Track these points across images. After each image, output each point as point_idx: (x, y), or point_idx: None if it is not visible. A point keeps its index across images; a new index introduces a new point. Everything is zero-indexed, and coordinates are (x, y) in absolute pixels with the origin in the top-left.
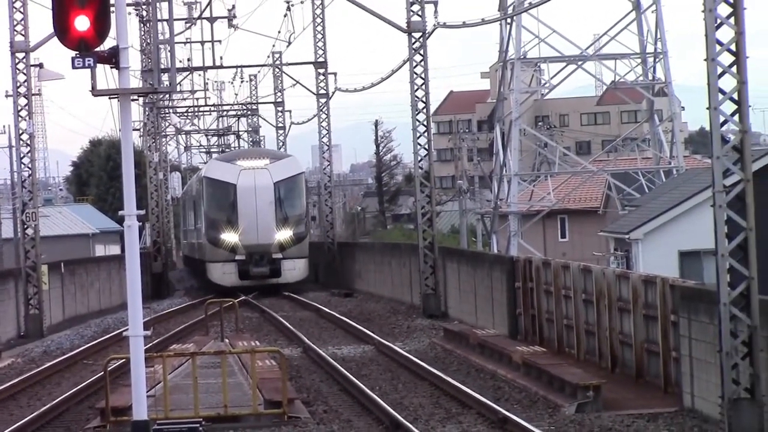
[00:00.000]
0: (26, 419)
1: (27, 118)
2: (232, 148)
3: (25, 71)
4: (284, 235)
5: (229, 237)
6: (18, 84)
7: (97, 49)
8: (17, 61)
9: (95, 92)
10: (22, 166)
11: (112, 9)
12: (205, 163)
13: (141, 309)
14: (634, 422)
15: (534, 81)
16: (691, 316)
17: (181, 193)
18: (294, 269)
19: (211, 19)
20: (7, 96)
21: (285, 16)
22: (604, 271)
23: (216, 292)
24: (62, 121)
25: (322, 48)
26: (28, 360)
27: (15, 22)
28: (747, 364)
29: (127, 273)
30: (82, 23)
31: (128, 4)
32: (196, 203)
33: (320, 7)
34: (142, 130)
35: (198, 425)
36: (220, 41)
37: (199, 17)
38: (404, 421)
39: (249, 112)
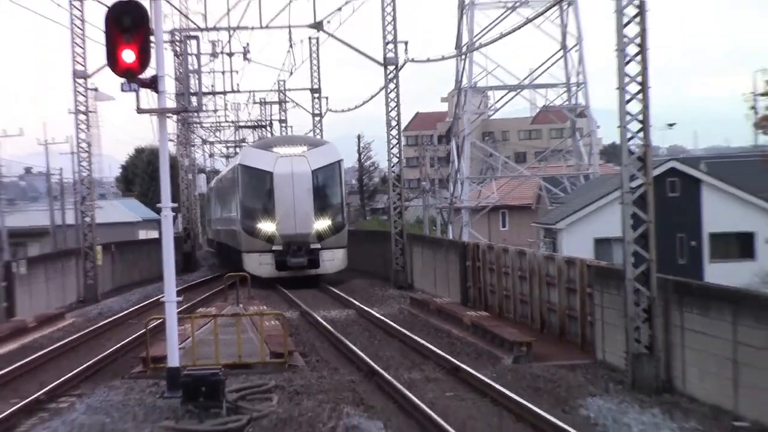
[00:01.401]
0: (85, 365)
1: (85, 130)
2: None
3: (84, 93)
4: (323, 224)
5: (266, 226)
6: (78, 104)
7: (141, 76)
8: (78, 85)
9: (139, 110)
10: (81, 168)
11: (152, 44)
12: (235, 153)
13: (174, 280)
14: (558, 371)
15: (482, 104)
16: (603, 289)
17: (206, 189)
18: (333, 260)
19: (230, 54)
20: (69, 113)
21: (288, 52)
22: (535, 253)
23: (262, 284)
24: (113, 133)
25: (317, 77)
26: (86, 320)
27: (76, 54)
28: (646, 327)
29: (163, 252)
30: (128, 56)
31: (165, 41)
32: (230, 192)
33: (315, 45)
34: (175, 140)
35: (218, 371)
36: (236, 71)
37: (221, 52)
38: (379, 369)
39: (260, 127)
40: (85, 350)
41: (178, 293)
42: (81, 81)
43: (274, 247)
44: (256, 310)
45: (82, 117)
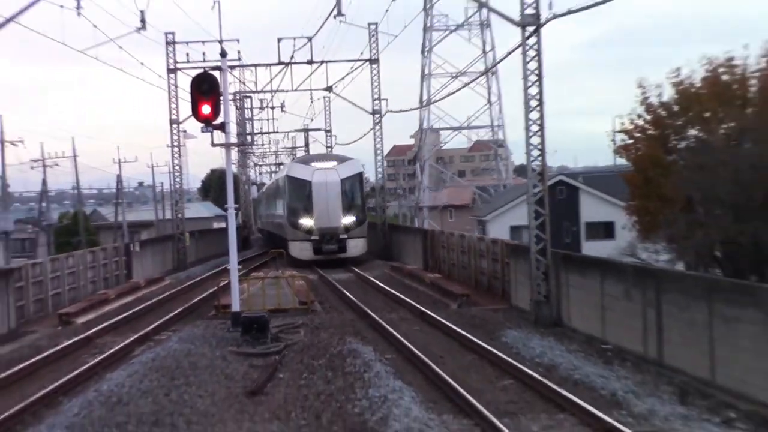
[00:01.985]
0: (177, 311)
1: (177, 157)
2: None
3: (177, 134)
4: (348, 220)
5: (306, 222)
6: (173, 140)
7: (214, 122)
8: (173, 128)
9: (213, 145)
10: (175, 182)
11: (221, 101)
12: (277, 170)
13: (236, 255)
14: (486, 313)
15: (436, 139)
16: (516, 259)
17: (257, 194)
18: (356, 246)
19: (272, 107)
20: (167, 146)
21: (310, 105)
22: (471, 236)
23: (295, 264)
24: (196, 158)
25: (329, 122)
26: (178, 281)
27: (171, 108)
28: (544, 284)
29: (229, 236)
30: (206, 109)
31: (230, 99)
32: (279, 195)
33: (328, 101)
34: (236, 163)
35: (265, 314)
36: (276, 119)
37: (266, 107)
38: (369, 312)
39: (292, 155)
40: (178, 301)
41: (238, 263)
42: (175, 126)
43: (312, 237)
44: (289, 274)
45: (175, 149)
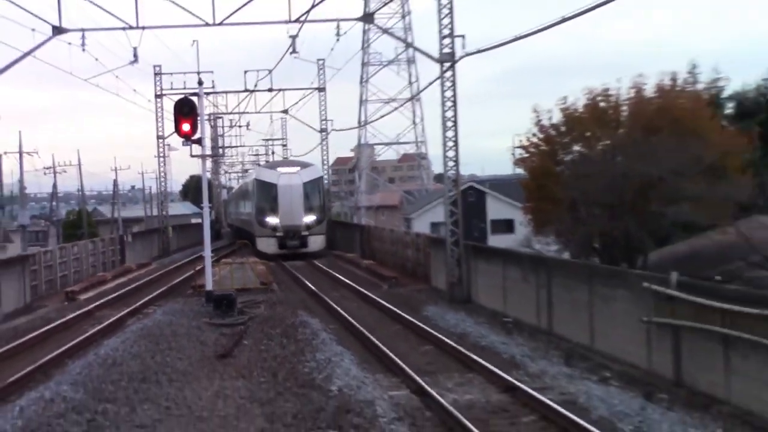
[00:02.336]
0: (162, 289)
1: (163, 166)
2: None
3: (162, 146)
4: (309, 218)
5: (272, 220)
6: (160, 152)
7: (192, 137)
8: (159, 142)
9: (192, 156)
10: (161, 186)
11: (198, 120)
12: (245, 172)
13: (210, 245)
14: (411, 292)
15: (371, 152)
16: (435, 249)
17: (227, 196)
18: (316, 242)
19: (239, 126)
20: (155, 157)
21: (270, 124)
22: (399, 230)
23: (262, 257)
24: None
25: (285, 138)
26: (162, 265)
27: (159, 125)
28: (457, 269)
29: (204, 229)
30: (186, 127)
31: (205, 119)
32: (247, 196)
33: (285, 122)
34: (210, 170)
35: (232, 293)
36: (243, 135)
37: (235, 126)
38: (317, 291)
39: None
40: (162, 282)
41: (211, 252)
42: (161, 140)
43: (277, 234)
44: (252, 260)
45: (161, 159)
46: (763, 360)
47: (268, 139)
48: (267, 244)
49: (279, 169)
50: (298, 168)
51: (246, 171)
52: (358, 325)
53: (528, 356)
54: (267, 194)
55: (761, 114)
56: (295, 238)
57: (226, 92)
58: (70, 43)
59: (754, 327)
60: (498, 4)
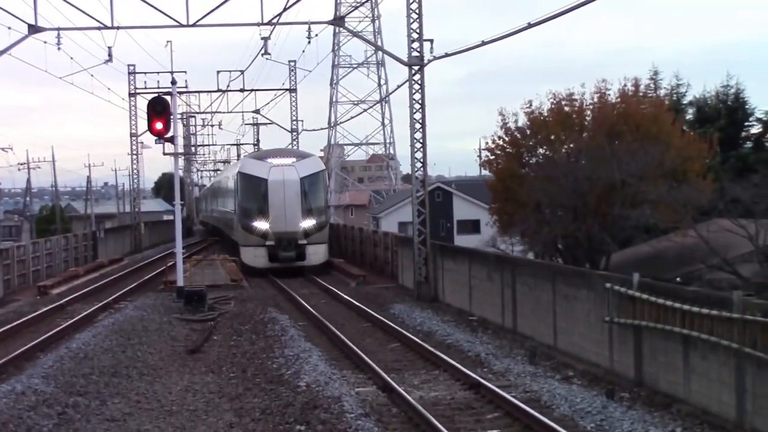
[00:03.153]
0: (133, 284)
1: (136, 163)
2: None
3: (135, 144)
4: (308, 223)
5: (261, 225)
6: (133, 150)
7: (165, 136)
8: (133, 140)
9: (164, 153)
10: (134, 183)
11: (171, 119)
12: (216, 171)
13: (181, 241)
14: (379, 290)
15: (341, 153)
16: (403, 248)
17: (199, 193)
18: (317, 253)
19: (212, 125)
20: (128, 155)
21: (241, 125)
22: (368, 229)
23: (249, 271)
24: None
25: (257, 137)
26: (134, 261)
27: (132, 123)
28: (424, 267)
29: (175, 226)
30: (159, 126)
31: (178, 118)
32: (228, 193)
33: (256, 121)
34: (183, 168)
35: (203, 289)
36: (215, 134)
37: (207, 124)
38: (286, 288)
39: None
40: (134, 277)
41: (183, 248)
42: (134, 138)
43: (268, 243)
44: (223, 257)
45: (134, 157)
46: (721, 360)
47: (238, 141)
48: (254, 256)
49: (270, 160)
50: (294, 159)
51: (224, 162)
52: (326, 322)
53: (492, 354)
54: (254, 192)
55: (721, 120)
56: (290, 249)
57: (199, 92)
58: (45, 42)
59: (713, 328)
60: (466, 10)
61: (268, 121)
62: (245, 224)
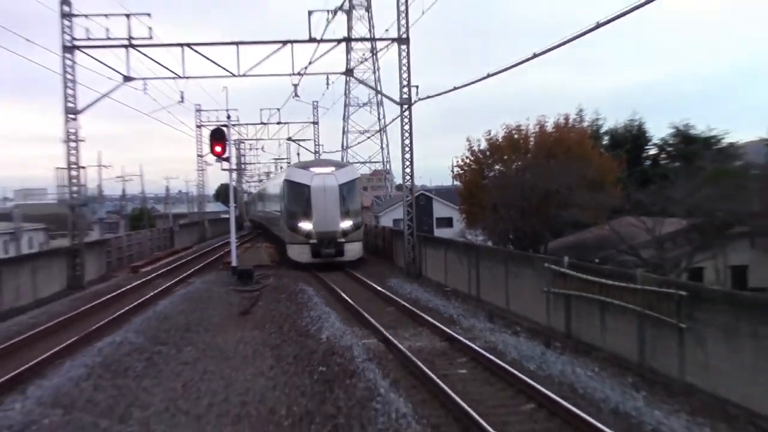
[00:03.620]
0: (201, 265)
1: (201, 177)
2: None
3: (200, 163)
4: (346, 224)
5: (305, 225)
6: (200, 167)
7: (223, 156)
8: (198, 161)
9: (222, 169)
10: (200, 190)
11: (228, 144)
12: (260, 182)
13: (234, 234)
14: (378, 268)
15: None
16: (396, 238)
17: (247, 198)
18: (353, 250)
19: (256, 149)
20: (196, 170)
21: (278, 146)
22: (371, 224)
23: (294, 266)
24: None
25: (289, 158)
26: (200, 249)
27: (198, 147)
28: (412, 252)
29: (230, 223)
30: (218, 149)
31: (232, 143)
32: (276, 198)
33: (289, 145)
34: (235, 180)
35: (251, 268)
36: (259, 155)
37: (252, 148)
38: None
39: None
40: (200, 259)
41: (236, 239)
42: (199, 158)
43: (311, 241)
44: (265, 245)
45: (200, 171)
46: (627, 320)
47: (276, 159)
48: (299, 252)
49: (312, 169)
50: (333, 168)
51: (267, 174)
52: (340, 292)
53: (462, 315)
54: (299, 197)
55: (627, 144)
56: (330, 246)
57: (247, 124)
58: (135, 89)
59: (621, 295)
60: (444, 62)
61: (298, 146)
62: (291, 225)
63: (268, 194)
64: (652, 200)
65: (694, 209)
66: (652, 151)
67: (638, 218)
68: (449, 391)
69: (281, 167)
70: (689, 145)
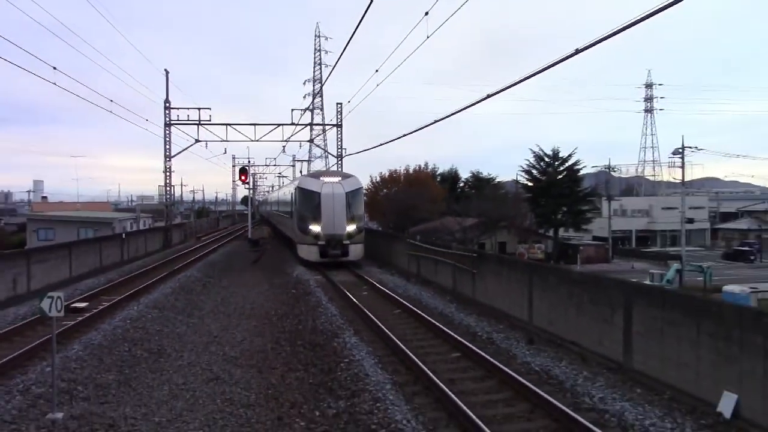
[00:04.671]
0: (232, 237)
1: (233, 191)
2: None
3: (233, 184)
4: (351, 228)
5: (314, 228)
6: (233, 186)
7: (245, 182)
8: (233, 183)
9: (245, 188)
10: (233, 198)
11: (248, 175)
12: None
13: (251, 223)
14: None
15: None
16: (396, 244)
17: (257, 203)
18: (356, 251)
19: (265, 175)
20: (231, 188)
21: (277, 176)
22: None
23: (303, 263)
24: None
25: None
26: (233, 230)
27: (233, 178)
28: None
29: (248, 216)
30: (243, 177)
31: (252, 174)
32: (287, 203)
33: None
34: (250, 193)
35: (259, 239)
36: (266, 179)
37: (262, 178)
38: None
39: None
40: (233, 234)
41: (251, 225)
42: (234, 182)
43: (319, 242)
44: (266, 228)
45: (233, 189)
46: (447, 269)
47: (272, 185)
48: (308, 252)
49: (322, 178)
50: (340, 178)
51: (271, 188)
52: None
53: (365, 264)
54: (309, 202)
55: (449, 180)
56: (336, 247)
57: (258, 165)
58: (201, 146)
59: (445, 256)
60: (360, 135)
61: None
62: (302, 227)
63: (278, 200)
64: (461, 209)
65: (481, 213)
66: (461, 184)
67: (454, 218)
68: (358, 303)
69: (277, 186)
70: (479, 182)
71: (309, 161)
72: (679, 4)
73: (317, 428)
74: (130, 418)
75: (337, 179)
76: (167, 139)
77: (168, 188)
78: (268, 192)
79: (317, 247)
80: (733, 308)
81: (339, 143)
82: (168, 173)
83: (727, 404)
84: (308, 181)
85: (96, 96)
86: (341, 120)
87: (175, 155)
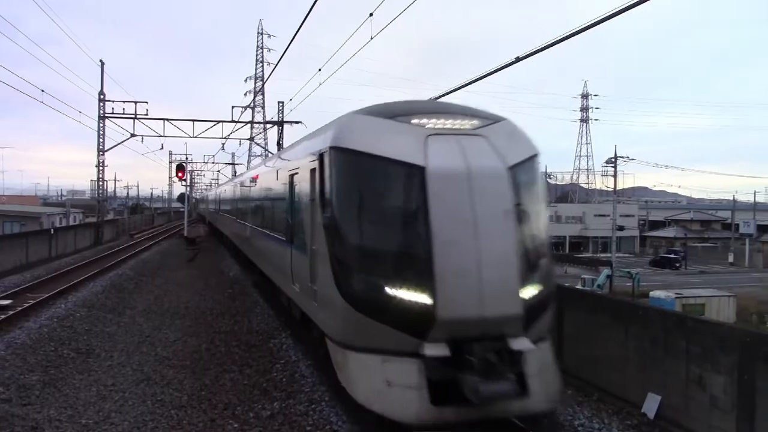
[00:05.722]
0: (167, 235)
1: (170, 187)
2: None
3: (170, 180)
4: (530, 291)
5: (409, 296)
6: (170, 183)
7: (182, 178)
8: (171, 181)
9: (182, 185)
10: (169, 195)
11: (186, 172)
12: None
13: (186, 220)
14: None
15: None
16: None
17: (194, 200)
18: (544, 370)
19: (204, 175)
20: (168, 184)
21: (218, 172)
22: None
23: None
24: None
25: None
26: (168, 227)
27: (170, 173)
28: None
29: (185, 213)
30: (180, 174)
31: (189, 171)
32: (273, 198)
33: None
34: (187, 190)
35: (195, 237)
36: (205, 175)
37: (201, 175)
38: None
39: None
40: (168, 232)
41: (187, 222)
42: (170, 179)
43: (428, 348)
44: (202, 226)
45: (170, 185)
46: None
47: (212, 179)
48: (386, 383)
49: (423, 119)
50: (475, 120)
51: (207, 185)
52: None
53: None
54: (383, 206)
55: None
56: (500, 369)
57: (196, 162)
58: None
59: None
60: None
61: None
62: (359, 288)
63: (234, 198)
64: None
65: None
66: None
67: None
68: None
69: (220, 178)
70: None
71: (249, 159)
72: (620, 15)
73: (251, 430)
74: (55, 420)
75: (469, 122)
76: (101, 132)
77: (101, 183)
78: (205, 189)
79: (417, 365)
80: (658, 313)
81: (280, 142)
82: (101, 167)
83: (651, 405)
84: (371, 128)
85: (25, 84)
86: (282, 117)
87: (109, 149)
